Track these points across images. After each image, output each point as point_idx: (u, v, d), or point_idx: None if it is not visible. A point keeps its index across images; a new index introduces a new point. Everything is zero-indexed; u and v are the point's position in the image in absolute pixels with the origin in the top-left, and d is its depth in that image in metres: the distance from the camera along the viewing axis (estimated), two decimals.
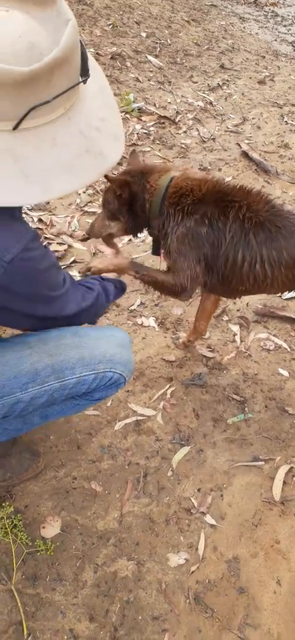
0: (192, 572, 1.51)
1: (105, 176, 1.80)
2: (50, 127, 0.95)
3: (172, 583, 1.48)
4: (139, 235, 2.00)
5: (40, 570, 1.43)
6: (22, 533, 1.45)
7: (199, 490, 1.72)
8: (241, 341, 2.32)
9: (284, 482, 1.76)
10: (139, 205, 1.82)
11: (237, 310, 2.49)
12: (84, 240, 2.24)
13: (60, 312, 1.30)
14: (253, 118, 4.62)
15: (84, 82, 1.00)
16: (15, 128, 0.91)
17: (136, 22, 6.20)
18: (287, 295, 2.56)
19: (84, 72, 1.00)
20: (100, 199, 1.94)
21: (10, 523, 1.47)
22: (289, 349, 2.30)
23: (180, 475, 1.76)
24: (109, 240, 1.96)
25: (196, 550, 1.56)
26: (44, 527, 1.51)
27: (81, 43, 1.01)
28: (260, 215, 1.75)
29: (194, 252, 1.79)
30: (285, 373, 2.18)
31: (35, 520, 1.54)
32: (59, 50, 0.90)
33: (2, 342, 1.32)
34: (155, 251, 1.96)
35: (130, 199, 1.81)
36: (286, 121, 4.56)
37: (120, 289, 1.62)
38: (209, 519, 1.64)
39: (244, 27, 7.37)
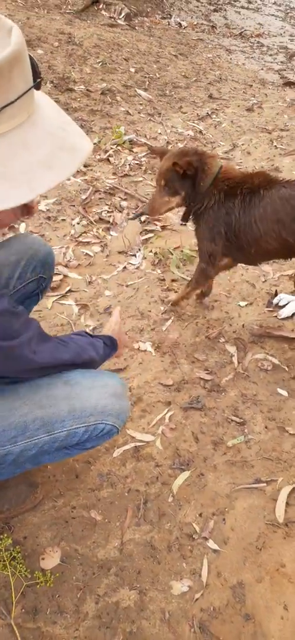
0: (196, 599, 1.47)
1: (171, 161, 2.10)
2: (17, 131, 0.97)
3: (175, 612, 1.44)
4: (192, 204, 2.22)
5: (40, 603, 1.39)
6: (21, 565, 1.41)
7: (200, 515, 1.69)
8: (238, 362, 2.31)
9: (287, 504, 1.73)
10: (196, 181, 2.10)
11: (234, 332, 2.49)
12: (134, 218, 2.53)
13: (23, 364, 1.24)
14: (243, 144, 4.71)
15: (39, 83, 1.03)
16: None
17: (125, 59, 6.37)
18: (283, 315, 2.59)
19: (36, 76, 1.02)
20: (156, 178, 2.20)
21: (8, 555, 1.44)
22: (286, 369, 2.29)
23: (181, 501, 1.73)
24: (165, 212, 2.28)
25: (199, 576, 1.52)
26: (43, 559, 1.48)
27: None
28: (256, 186, 2.12)
29: (215, 230, 2.17)
30: (284, 393, 2.17)
31: (35, 551, 1.50)
32: (14, 44, 0.91)
33: None
34: (185, 219, 2.29)
35: (194, 176, 2.09)
36: (276, 145, 4.65)
37: (110, 345, 1.56)
38: (211, 544, 1.61)
39: (230, 59, 7.58)
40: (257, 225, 2.12)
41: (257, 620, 1.44)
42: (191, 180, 2.10)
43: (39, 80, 1.02)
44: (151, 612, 1.43)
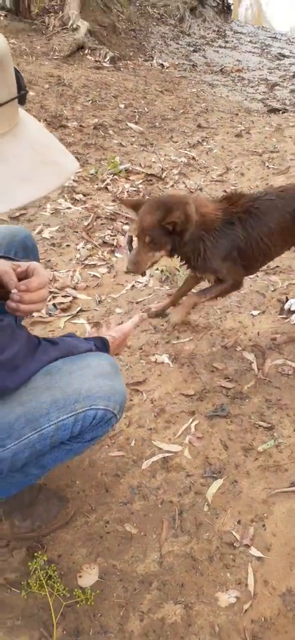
0: (246, 610, 1.38)
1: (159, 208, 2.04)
2: None
3: (225, 625, 1.34)
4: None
5: (81, 623, 1.29)
6: (58, 584, 1.31)
7: (239, 522, 1.61)
8: (258, 369, 2.26)
9: None
10: (183, 233, 2.05)
11: (249, 340, 2.45)
12: (128, 273, 2.35)
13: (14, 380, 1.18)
14: (236, 167, 4.78)
15: (24, 96, 0.98)
16: None
17: (113, 96, 6.51)
18: None
19: (21, 88, 0.97)
20: (137, 233, 2.06)
21: (44, 575, 1.33)
22: None
23: (217, 509, 1.64)
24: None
25: (246, 586, 1.43)
26: (80, 576, 1.38)
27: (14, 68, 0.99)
28: (245, 208, 2.16)
29: (227, 256, 2.16)
30: None
31: (71, 569, 1.40)
32: None
33: None
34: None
35: (181, 230, 2.03)
36: (268, 166, 4.72)
37: (101, 347, 1.46)
38: (254, 551, 1.52)
39: (214, 92, 7.79)
40: (265, 243, 2.19)
41: None
42: (178, 234, 2.05)
43: (23, 92, 0.97)
44: (199, 627, 1.33)
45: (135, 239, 2.12)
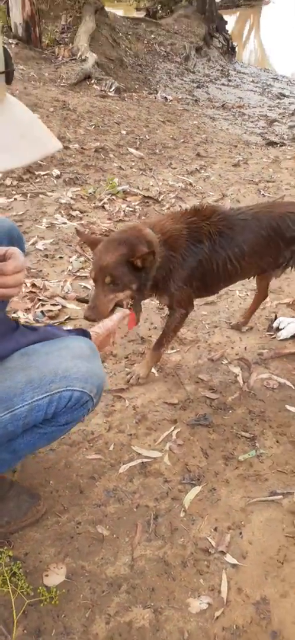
0: (217, 617, 1.33)
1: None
2: None
3: (195, 631, 1.29)
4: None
5: (44, 623, 1.24)
6: (22, 582, 1.27)
7: (215, 529, 1.57)
8: (244, 382, 2.24)
9: None
10: (151, 264, 1.88)
11: (236, 354, 2.43)
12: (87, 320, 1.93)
13: None
14: (232, 194, 4.84)
15: (10, 74, 0.98)
16: None
17: (116, 123, 6.65)
18: (281, 336, 2.55)
19: (8, 66, 0.97)
20: (95, 276, 1.85)
21: (8, 571, 1.29)
22: (293, 387, 2.22)
23: (193, 516, 1.60)
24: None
25: (219, 593, 1.39)
26: (47, 575, 1.33)
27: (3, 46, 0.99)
28: (218, 225, 2.03)
29: (189, 280, 2.05)
30: (293, 409, 2.09)
31: (37, 568, 1.36)
32: None
33: None
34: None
35: (150, 263, 1.87)
36: (263, 194, 4.78)
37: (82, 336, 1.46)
38: (229, 558, 1.48)
39: (215, 125, 7.95)
40: (233, 265, 2.06)
41: (285, 637, 1.30)
42: (147, 268, 1.87)
43: (10, 69, 0.96)
44: (168, 632, 1.28)
45: (92, 282, 1.90)
